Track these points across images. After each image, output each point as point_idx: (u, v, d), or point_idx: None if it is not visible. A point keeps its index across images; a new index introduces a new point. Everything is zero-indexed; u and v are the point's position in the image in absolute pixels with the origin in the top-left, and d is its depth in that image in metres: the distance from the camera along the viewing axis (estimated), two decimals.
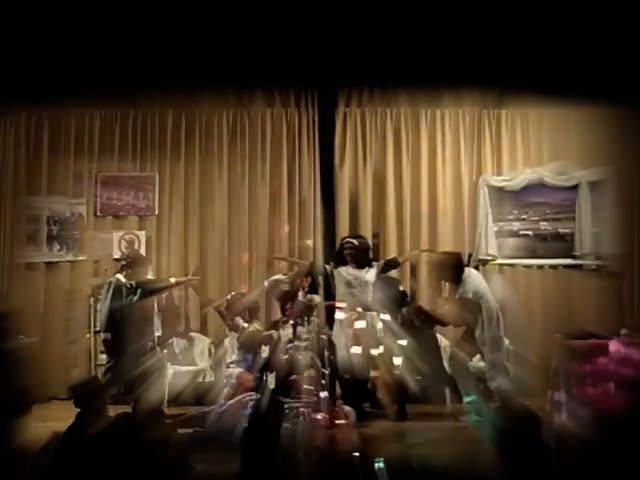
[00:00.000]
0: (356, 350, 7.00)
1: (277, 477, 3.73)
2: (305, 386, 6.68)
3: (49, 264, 8.22)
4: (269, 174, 8.39)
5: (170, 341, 7.90)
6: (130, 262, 6.95)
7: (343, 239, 7.49)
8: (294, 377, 6.70)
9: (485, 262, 8.29)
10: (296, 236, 8.33)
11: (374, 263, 7.33)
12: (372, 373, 7.49)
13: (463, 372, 6.73)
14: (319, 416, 6.36)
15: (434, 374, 7.15)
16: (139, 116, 8.41)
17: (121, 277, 6.83)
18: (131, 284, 6.71)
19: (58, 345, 7.99)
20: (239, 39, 6.37)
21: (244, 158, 8.40)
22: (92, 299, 7.77)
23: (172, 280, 7.43)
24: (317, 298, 7.47)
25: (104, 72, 6.64)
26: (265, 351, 7.05)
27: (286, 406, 5.65)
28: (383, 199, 8.40)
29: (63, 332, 8.05)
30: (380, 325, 6.99)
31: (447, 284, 7.08)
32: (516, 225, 8.39)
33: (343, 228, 8.24)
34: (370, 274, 7.20)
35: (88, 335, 7.81)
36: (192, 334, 8.18)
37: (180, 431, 5.82)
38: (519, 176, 8.36)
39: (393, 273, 7.67)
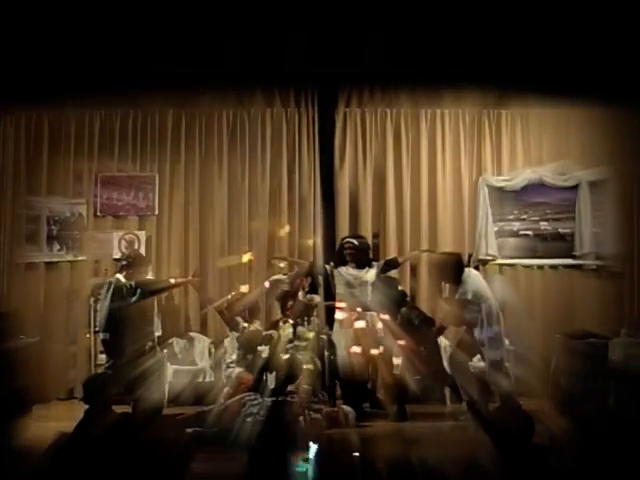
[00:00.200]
0: (356, 350, 7.00)
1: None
2: (305, 386, 6.69)
3: (49, 264, 8.22)
4: (269, 174, 8.39)
5: (170, 341, 7.90)
6: (130, 262, 6.95)
7: (343, 239, 7.49)
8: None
9: (485, 262, 8.28)
10: (296, 236, 8.32)
11: (374, 263, 7.33)
12: (372, 373, 7.50)
13: (463, 372, 6.72)
14: (319, 416, 6.37)
15: (434, 374, 7.15)
16: (139, 116, 8.40)
17: (121, 277, 6.82)
18: (131, 284, 6.71)
19: (58, 345, 7.98)
20: (239, 39, 6.38)
21: (244, 158, 8.39)
22: (92, 299, 7.76)
23: (172, 281, 7.43)
24: (317, 298, 7.48)
25: (104, 72, 6.65)
26: (265, 351, 7.05)
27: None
28: (383, 199, 8.39)
29: (63, 332, 8.05)
30: (380, 325, 7.00)
31: (447, 284, 7.07)
32: (516, 225, 8.39)
33: (343, 228, 8.24)
34: (370, 274, 7.20)
35: (88, 335, 7.81)
36: (192, 334, 8.18)
37: (180, 431, 5.85)
38: (519, 176, 8.35)
39: (393, 273, 7.66)
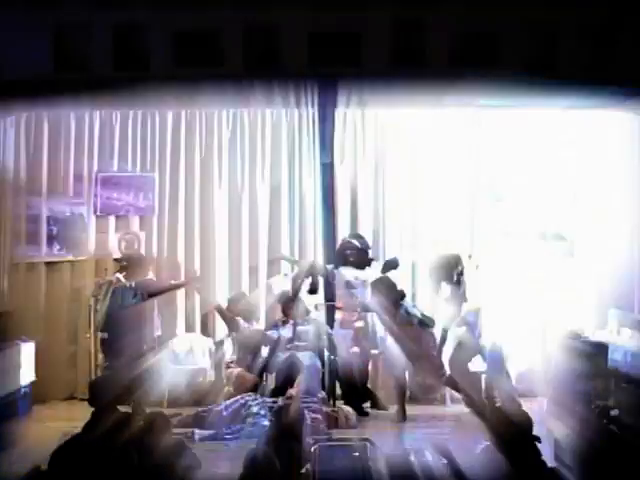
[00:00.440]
0: (356, 350, 7.01)
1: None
2: (305, 386, 6.69)
3: (49, 264, 8.21)
4: (269, 174, 8.39)
5: (170, 341, 7.90)
6: (130, 262, 6.95)
7: (343, 239, 7.50)
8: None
9: (484, 262, 8.27)
10: (296, 236, 8.33)
11: (374, 263, 7.33)
12: (372, 373, 7.51)
13: (463, 372, 6.72)
14: (319, 416, 6.37)
15: (434, 374, 7.16)
16: (139, 116, 8.40)
17: (121, 277, 6.83)
18: (131, 285, 6.72)
19: (58, 345, 7.99)
20: (239, 39, 6.37)
21: (244, 158, 8.40)
22: (92, 299, 7.76)
23: (172, 282, 7.44)
24: (317, 298, 7.48)
25: (104, 72, 6.63)
26: (265, 351, 7.06)
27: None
28: (383, 199, 8.39)
29: (63, 332, 8.05)
30: (379, 325, 7.00)
31: (447, 284, 7.08)
32: (515, 225, 8.38)
33: (343, 228, 8.24)
34: (370, 274, 7.20)
35: (88, 335, 7.80)
36: (192, 334, 8.18)
37: (180, 431, 5.85)
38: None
39: (393, 273, 7.66)
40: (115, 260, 7.87)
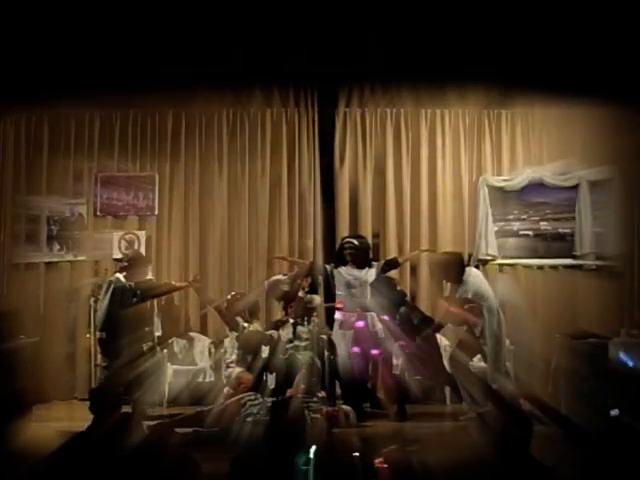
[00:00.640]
0: (356, 350, 7.00)
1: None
2: (305, 386, 6.69)
3: (49, 264, 8.21)
4: (269, 174, 8.39)
5: (170, 341, 7.90)
6: (130, 262, 6.95)
7: (343, 239, 7.49)
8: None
9: (485, 262, 8.28)
10: (296, 236, 8.32)
11: (374, 263, 7.33)
12: (372, 373, 7.50)
13: (463, 372, 6.72)
14: (319, 416, 6.37)
15: (434, 374, 7.15)
16: (139, 116, 8.40)
17: (121, 277, 6.82)
18: (131, 285, 6.71)
19: (58, 345, 7.98)
20: (239, 39, 6.37)
21: (244, 158, 8.39)
22: (92, 299, 7.76)
23: (173, 283, 7.45)
24: (317, 298, 7.47)
25: (104, 72, 6.64)
26: (265, 351, 7.05)
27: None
28: (383, 199, 8.39)
29: (63, 332, 8.05)
30: (380, 325, 7.00)
31: (448, 284, 7.07)
32: (516, 225, 8.38)
33: (343, 228, 8.24)
34: (370, 274, 7.19)
35: (88, 335, 7.81)
36: (192, 334, 8.18)
37: (180, 431, 5.85)
38: (519, 176, 8.35)
39: (393, 273, 7.66)
40: (115, 260, 7.87)
